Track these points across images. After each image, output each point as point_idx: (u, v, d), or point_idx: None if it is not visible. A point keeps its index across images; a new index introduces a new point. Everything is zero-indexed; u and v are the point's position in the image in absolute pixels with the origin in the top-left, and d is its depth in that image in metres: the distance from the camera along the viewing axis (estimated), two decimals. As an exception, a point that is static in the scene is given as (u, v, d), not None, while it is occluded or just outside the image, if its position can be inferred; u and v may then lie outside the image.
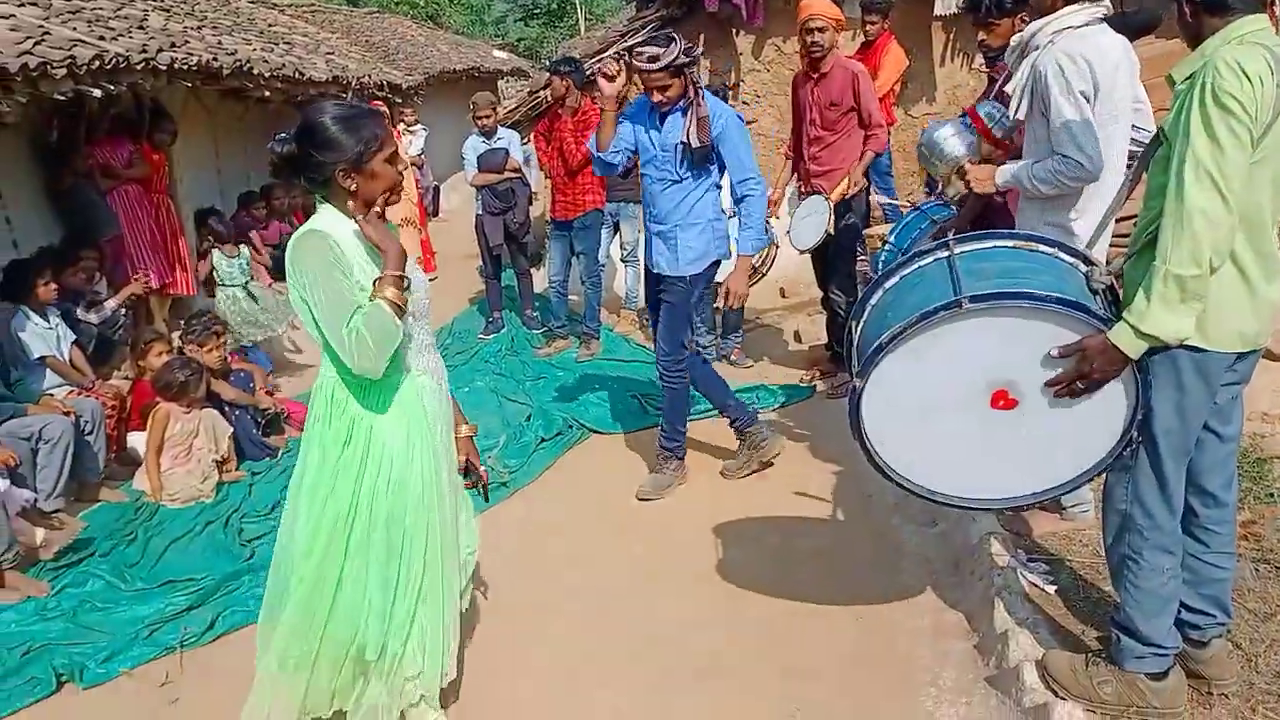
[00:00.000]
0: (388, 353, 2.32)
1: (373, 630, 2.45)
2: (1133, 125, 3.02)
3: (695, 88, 3.95)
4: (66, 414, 4.32)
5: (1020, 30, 3.49)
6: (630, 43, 8.63)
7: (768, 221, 5.39)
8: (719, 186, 4.18)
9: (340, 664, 2.49)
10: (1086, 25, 2.91)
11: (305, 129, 2.33)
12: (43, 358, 4.70)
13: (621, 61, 4.79)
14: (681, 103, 3.96)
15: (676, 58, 3.81)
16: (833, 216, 5.02)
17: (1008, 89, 3.06)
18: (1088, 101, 2.86)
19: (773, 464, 4.44)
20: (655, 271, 4.27)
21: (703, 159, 4.02)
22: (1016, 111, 3.04)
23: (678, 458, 4.41)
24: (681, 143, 3.96)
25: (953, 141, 3.37)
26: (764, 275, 5.51)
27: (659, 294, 4.29)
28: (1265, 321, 2.28)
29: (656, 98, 3.93)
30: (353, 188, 2.34)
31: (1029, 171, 3.01)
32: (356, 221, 2.34)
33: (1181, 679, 2.46)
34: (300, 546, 2.44)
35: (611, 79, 4.02)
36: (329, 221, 2.37)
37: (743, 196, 4.05)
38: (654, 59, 3.81)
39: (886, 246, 4.39)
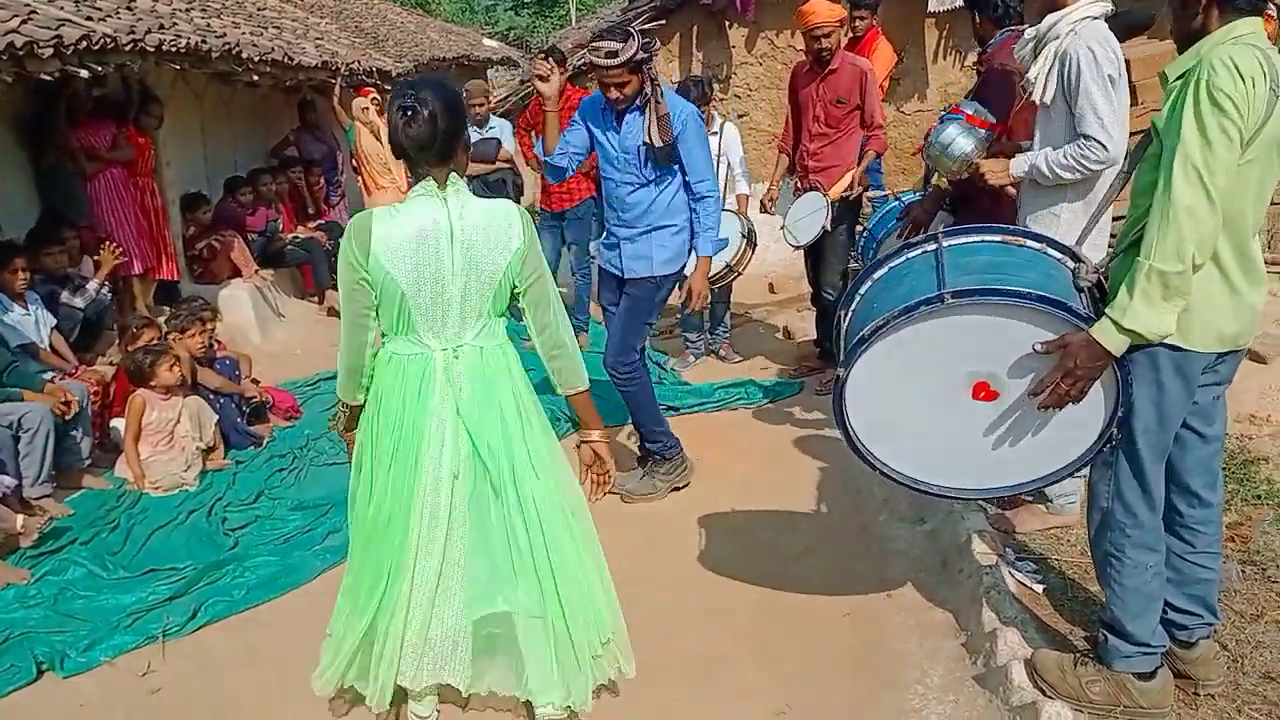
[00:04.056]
0: None
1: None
2: None
3: (654, 84, 3.73)
4: (68, 401, 4.25)
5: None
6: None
7: (744, 219, 5.39)
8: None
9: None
10: (1099, 18, 2.97)
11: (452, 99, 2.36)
12: (23, 345, 4.63)
13: (552, 60, 4.68)
14: (639, 100, 3.74)
15: (635, 53, 3.58)
16: (830, 213, 5.00)
17: (1030, 75, 3.06)
18: (1113, 86, 2.91)
19: (681, 488, 4.24)
20: (622, 275, 4.06)
21: (667, 158, 3.81)
22: (1042, 97, 3.04)
23: (666, 458, 4.20)
24: (643, 144, 3.76)
25: (960, 141, 3.39)
26: (739, 275, 5.51)
27: (620, 293, 4.11)
28: (1246, 323, 2.29)
29: (613, 95, 3.69)
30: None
31: (1047, 159, 3.03)
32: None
33: (1169, 679, 2.47)
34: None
35: (545, 79, 3.92)
36: None
37: (700, 197, 3.91)
38: (612, 54, 3.58)
39: (864, 234, 4.42)
